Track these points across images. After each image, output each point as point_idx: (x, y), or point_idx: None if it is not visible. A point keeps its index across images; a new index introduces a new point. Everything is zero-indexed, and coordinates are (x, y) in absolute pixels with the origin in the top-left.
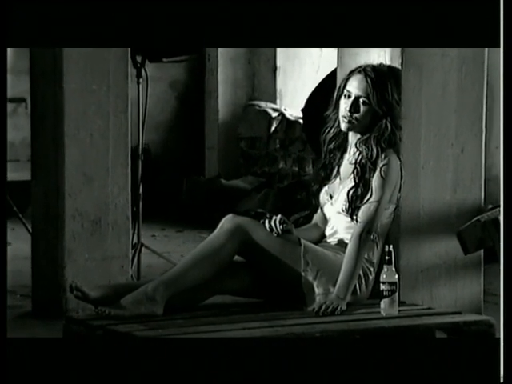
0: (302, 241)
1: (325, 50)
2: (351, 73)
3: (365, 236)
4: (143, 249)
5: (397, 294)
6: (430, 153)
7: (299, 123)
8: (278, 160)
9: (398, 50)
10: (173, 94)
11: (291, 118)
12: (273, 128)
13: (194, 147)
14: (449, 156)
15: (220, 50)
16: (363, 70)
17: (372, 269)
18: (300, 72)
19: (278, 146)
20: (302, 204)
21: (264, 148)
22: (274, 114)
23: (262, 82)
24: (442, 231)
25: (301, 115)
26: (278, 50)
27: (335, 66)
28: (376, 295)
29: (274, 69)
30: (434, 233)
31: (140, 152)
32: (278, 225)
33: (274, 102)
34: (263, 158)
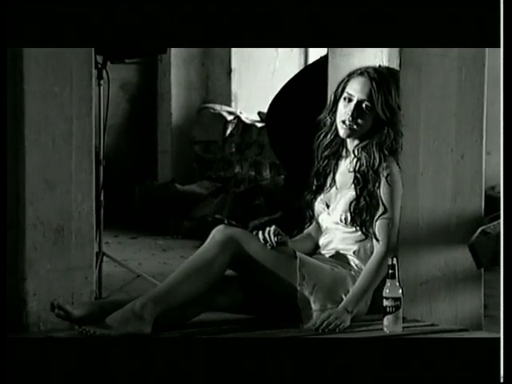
0: (298, 253)
1: (280, 50)
2: (351, 75)
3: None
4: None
5: (401, 310)
6: (430, 159)
7: (255, 126)
8: (233, 164)
9: (396, 51)
10: (124, 97)
11: (247, 122)
12: (228, 131)
13: (147, 151)
14: (448, 162)
15: (173, 50)
16: (365, 71)
17: None
18: (255, 74)
19: (234, 149)
20: (260, 209)
21: (219, 152)
22: (230, 118)
23: (217, 84)
24: (441, 242)
25: (257, 118)
26: (233, 51)
27: (292, 67)
28: (375, 311)
29: (229, 71)
30: (433, 244)
31: (101, 157)
32: (272, 236)
33: (229, 104)
34: (218, 163)
